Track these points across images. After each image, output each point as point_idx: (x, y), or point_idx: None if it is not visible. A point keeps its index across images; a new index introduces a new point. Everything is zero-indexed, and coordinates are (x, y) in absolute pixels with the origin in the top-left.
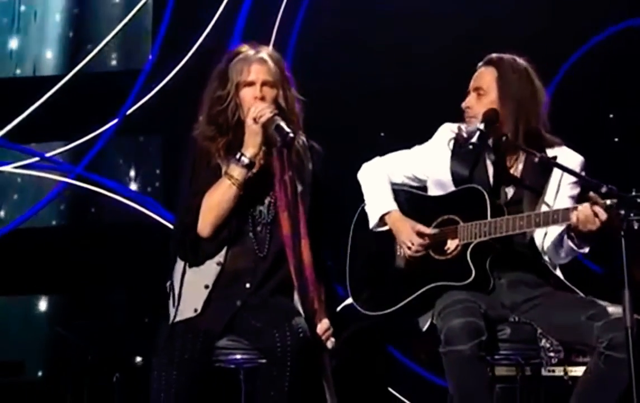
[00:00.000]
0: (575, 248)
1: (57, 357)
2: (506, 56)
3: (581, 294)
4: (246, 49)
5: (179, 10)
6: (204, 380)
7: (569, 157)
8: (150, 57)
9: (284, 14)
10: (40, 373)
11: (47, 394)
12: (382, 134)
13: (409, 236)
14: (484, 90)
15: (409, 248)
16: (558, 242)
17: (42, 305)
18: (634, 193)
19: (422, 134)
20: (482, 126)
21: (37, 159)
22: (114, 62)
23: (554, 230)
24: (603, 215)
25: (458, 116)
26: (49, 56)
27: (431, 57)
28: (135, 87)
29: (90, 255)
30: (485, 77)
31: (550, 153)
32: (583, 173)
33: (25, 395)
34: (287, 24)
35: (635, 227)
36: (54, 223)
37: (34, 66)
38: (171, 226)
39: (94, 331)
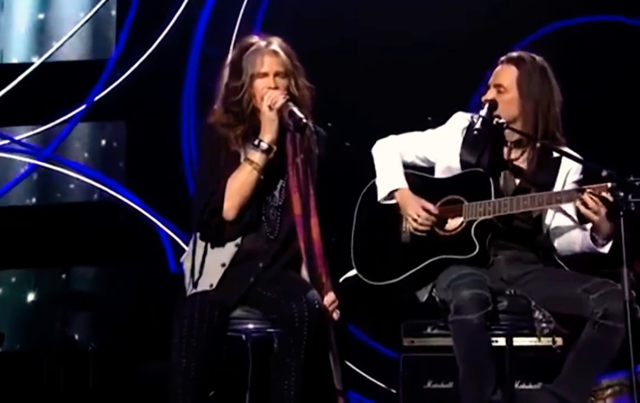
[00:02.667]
0: (594, 246)
1: (36, 332)
2: (526, 55)
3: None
4: (257, 41)
5: (145, 2)
6: (220, 349)
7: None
8: (115, 47)
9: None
10: (18, 346)
11: (24, 367)
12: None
13: (416, 209)
14: (505, 87)
15: (415, 221)
16: (571, 234)
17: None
18: (632, 178)
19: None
20: (484, 113)
21: (6, 141)
22: (82, 51)
23: (564, 221)
24: (609, 197)
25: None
26: (18, 42)
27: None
28: (103, 76)
29: (58, 233)
30: (507, 74)
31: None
32: (581, 176)
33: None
34: (251, 14)
35: (632, 209)
36: (26, 201)
37: (1, 53)
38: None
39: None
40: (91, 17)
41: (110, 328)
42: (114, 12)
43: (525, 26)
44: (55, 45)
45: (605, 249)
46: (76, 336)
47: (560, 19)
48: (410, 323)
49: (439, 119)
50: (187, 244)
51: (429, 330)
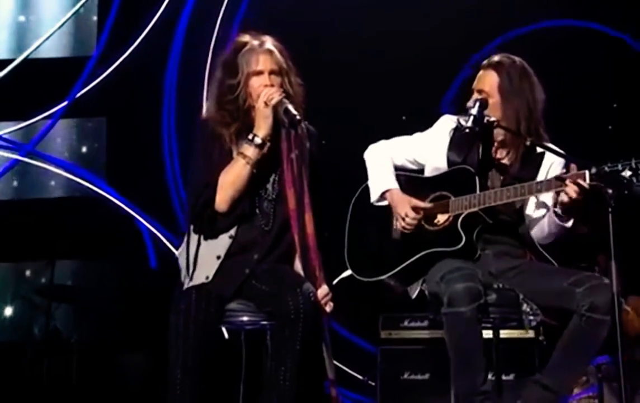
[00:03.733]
0: (559, 221)
1: (21, 324)
2: (505, 58)
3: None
4: (251, 40)
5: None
6: (216, 341)
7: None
8: (97, 45)
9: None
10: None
11: (7, 359)
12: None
13: (405, 208)
14: (486, 92)
15: (404, 219)
16: (543, 219)
17: None
18: (619, 167)
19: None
20: (474, 111)
21: None
22: (64, 49)
23: (540, 210)
24: (585, 184)
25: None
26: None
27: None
28: (84, 73)
29: (40, 227)
30: (488, 79)
31: (539, 148)
32: (564, 170)
33: None
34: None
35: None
36: (6, 197)
37: None
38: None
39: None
40: (73, 15)
41: (92, 321)
42: (95, 13)
43: (494, 30)
44: (36, 42)
45: (569, 224)
46: (59, 328)
47: (523, 25)
48: (388, 317)
49: (413, 119)
50: (167, 239)
51: (406, 323)
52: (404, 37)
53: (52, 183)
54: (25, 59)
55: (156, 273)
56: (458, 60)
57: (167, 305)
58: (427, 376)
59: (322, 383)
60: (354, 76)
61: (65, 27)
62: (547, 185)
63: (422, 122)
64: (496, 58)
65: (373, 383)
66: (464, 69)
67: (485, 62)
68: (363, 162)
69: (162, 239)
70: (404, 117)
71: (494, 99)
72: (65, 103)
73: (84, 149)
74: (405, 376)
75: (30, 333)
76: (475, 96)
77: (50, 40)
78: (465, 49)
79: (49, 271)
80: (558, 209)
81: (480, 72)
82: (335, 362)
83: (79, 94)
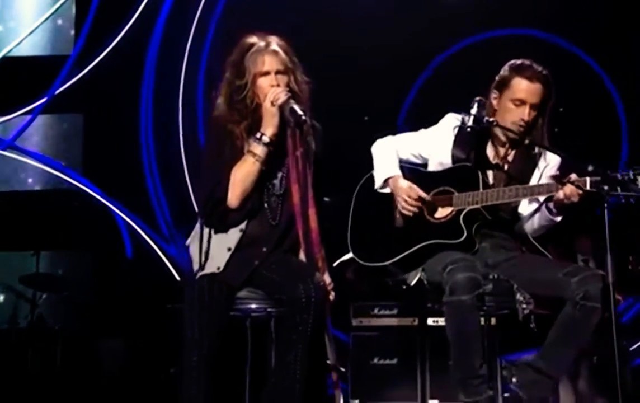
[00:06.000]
0: (550, 216)
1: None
2: (545, 70)
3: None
4: (257, 41)
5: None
6: (227, 327)
7: (551, 155)
8: (75, 44)
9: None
10: None
11: None
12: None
13: (407, 193)
14: (534, 105)
15: (406, 202)
16: (534, 213)
17: None
18: (619, 174)
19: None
20: (474, 111)
21: None
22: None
23: (532, 205)
24: (586, 187)
25: None
26: None
27: None
28: (63, 71)
29: (20, 219)
30: (537, 93)
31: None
32: (557, 172)
33: None
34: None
35: (622, 201)
36: None
37: None
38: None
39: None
40: (51, 15)
41: (74, 310)
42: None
43: (450, 37)
44: (14, 42)
45: (558, 218)
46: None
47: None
48: (359, 305)
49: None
50: (144, 231)
51: (375, 311)
52: (370, 48)
53: (30, 176)
54: (4, 57)
55: (132, 263)
56: (417, 66)
57: (143, 293)
58: (395, 361)
59: (323, 367)
60: (319, 80)
61: (44, 27)
62: (548, 188)
63: (384, 122)
64: (541, 69)
65: (344, 369)
66: (423, 73)
67: (529, 72)
68: (339, 159)
69: (139, 230)
70: (365, 118)
71: (536, 112)
72: (44, 100)
73: (62, 144)
74: (375, 361)
75: (15, 321)
76: (526, 112)
77: (29, 39)
78: (424, 56)
79: (34, 261)
80: (551, 205)
81: (532, 86)
82: None
83: (57, 91)
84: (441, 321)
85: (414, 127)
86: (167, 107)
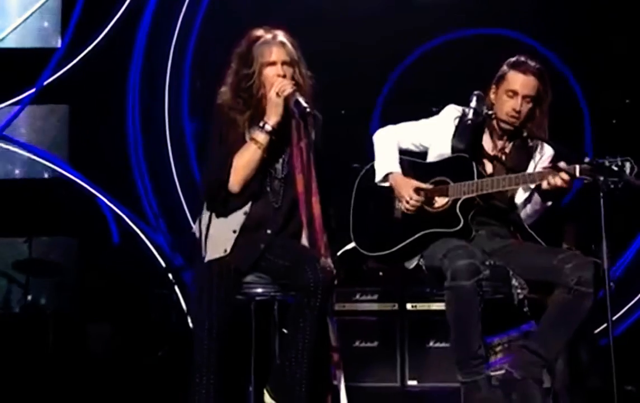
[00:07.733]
0: (540, 201)
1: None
2: (541, 65)
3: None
4: (264, 34)
5: None
6: (233, 310)
7: (546, 147)
8: (62, 38)
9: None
10: None
11: None
12: None
13: (408, 191)
14: (530, 98)
15: (407, 201)
16: (527, 199)
17: None
18: (607, 162)
19: None
20: (474, 104)
21: None
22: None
23: (526, 193)
24: (566, 176)
25: None
26: None
27: None
28: (51, 63)
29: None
30: (531, 85)
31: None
32: (550, 164)
33: None
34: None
35: (611, 187)
36: None
37: None
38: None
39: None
40: (37, 9)
41: (64, 294)
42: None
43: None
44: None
45: (548, 203)
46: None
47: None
48: (342, 291)
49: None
50: (129, 218)
51: (357, 296)
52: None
53: (17, 165)
54: None
55: (118, 249)
56: (393, 60)
57: (129, 277)
58: (375, 344)
59: (327, 349)
60: None
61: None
62: (540, 176)
63: (360, 114)
64: (535, 64)
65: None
66: (398, 67)
67: (523, 67)
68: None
69: (124, 217)
70: (342, 112)
71: (532, 105)
72: (32, 91)
73: (49, 134)
74: (357, 344)
75: (8, 305)
76: (519, 103)
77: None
78: (399, 50)
79: (27, 247)
80: (541, 192)
81: (524, 78)
82: None
83: (46, 82)
84: (419, 306)
85: (390, 122)
86: (154, 98)
